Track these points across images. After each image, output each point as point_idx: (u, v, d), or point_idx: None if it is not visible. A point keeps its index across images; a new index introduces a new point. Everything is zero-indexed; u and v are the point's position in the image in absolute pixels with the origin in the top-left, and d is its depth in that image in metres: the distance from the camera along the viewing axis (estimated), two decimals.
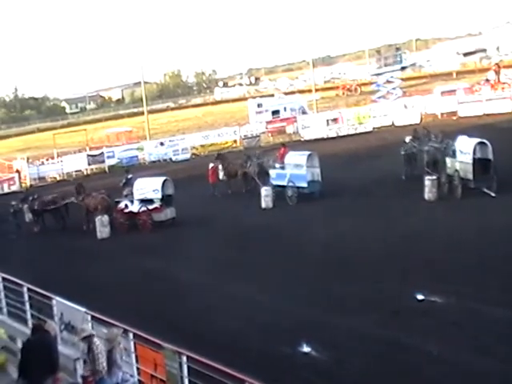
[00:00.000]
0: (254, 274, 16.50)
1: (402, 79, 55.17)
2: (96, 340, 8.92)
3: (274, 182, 25.65)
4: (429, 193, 21.74)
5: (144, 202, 23.89)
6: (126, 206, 24.37)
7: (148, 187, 24.21)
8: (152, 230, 23.29)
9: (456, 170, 21.67)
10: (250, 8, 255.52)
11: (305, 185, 24.60)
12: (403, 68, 53.24)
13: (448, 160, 22.47)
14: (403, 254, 16.36)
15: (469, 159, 21.01)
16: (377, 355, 10.97)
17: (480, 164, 20.94)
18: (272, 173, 26.22)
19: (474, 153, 21.05)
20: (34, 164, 44.60)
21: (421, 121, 43.11)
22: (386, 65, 50.81)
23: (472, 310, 12.23)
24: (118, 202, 24.77)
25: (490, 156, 21.18)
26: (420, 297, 13.17)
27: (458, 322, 11.83)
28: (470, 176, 20.95)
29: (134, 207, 24.12)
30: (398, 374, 10.27)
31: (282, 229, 20.94)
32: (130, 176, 26.66)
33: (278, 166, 26.63)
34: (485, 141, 21.50)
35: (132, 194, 24.47)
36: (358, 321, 12.49)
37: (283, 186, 25.11)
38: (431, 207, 21.09)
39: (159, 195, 23.73)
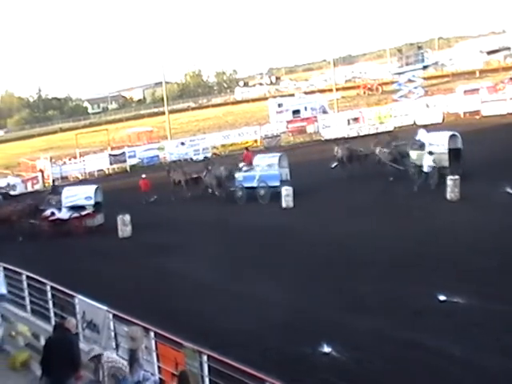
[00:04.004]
0: (274, 273, 16.49)
1: (424, 78, 54.81)
2: (105, 359, 8.77)
3: (243, 184, 26.92)
4: (451, 192, 21.60)
5: (74, 208, 25.13)
6: (53, 213, 25.39)
7: (80, 195, 25.73)
8: (83, 234, 24.32)
9: (432, 160, 23.77)
10: (271, 7, 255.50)
11: (277, 184, 25.82)
12: (425, 67, 52.81)
13: (414, 153, 25.23)
14: (425, 254, 16.22)
15: (444, 149, 23.96)
16: (398, 356, 10.89)
17: (453, 153, 23.89)
18: (238, 175, 27.41)
19: (449, 144, 24.03)
20: (57, 163, 45.13)
21: (443, 120, 42.76)
22: (407, 64, 50.45)
23: (495, 311, 12.08)
24: (43, 210, 25.75)
25: (460, 146, 24.43)
26: (442, 297, 13.05)
27: (481, 323, 11.69)
28: (446, 164, 23.78)
29: (63, 214, 25.21)
30: (420, 375, 10.18)
31: (301, 228, 20.91)
32: (56, 184, 28.19)
33: (244, 168, 27.94)
34: (456, 133, 25.05)
35: (60, 201, 25.73)
36: (378, 321, 12.41)
37: (253, 188, 26.43)
38: (453, 207, 20.93)
39: (92, 202, 25.16)
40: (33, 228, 25.29)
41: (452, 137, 24.63)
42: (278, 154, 27.54)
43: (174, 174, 30.68)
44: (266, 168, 26.64)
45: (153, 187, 31.06)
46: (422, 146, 25.22)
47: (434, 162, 23.32)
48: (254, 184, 26.57)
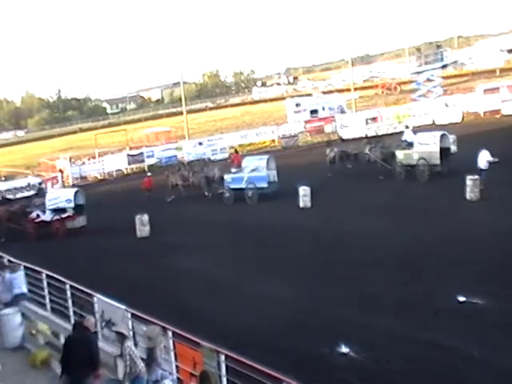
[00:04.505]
0: (290, 273, 16.50)
1: (443, 77, 54.42)
2: (128, 342, 8.97)
3: (231, 186, 27.87)
4: (470, 192, 21.44)
5: (56, 211, 25.92)
6: (38, 215, 26.26)
7: (61, 197, 26.65)
8: (64, 236, 25.11)
9: (421, 158, 25.69)
10: (289, 7, 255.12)
11: (265, 185, 26.98)
12: (444, 66, 52.43)
13: (401, 153, 26.95)
14: (445, 255, 16.10)
15: (436, 148, 25.35)
16: (416, 357, 10.84)
17: (443, 151, 25.38)
18: (227, 177, 28.34)
19: (440, 143, 25.50)
20: (76, 164, 45.46)
21: (462, 119, 42.40)
22: (426, 63, 50.09)
23: None
24: (30, 212, 26.68)
25: (449, 145, 26.31)
26: (461, 298, 12.97)
27: (500, 325, 11.59)
28: (437, 162, 25.31)
29: (47, 216, 26.06)
30: (438, 376, 10.13)
31: (318, 228, 20.88)
32: (42, 186, 28.84)
33: (233, 170, 29.10)
34: (446, 133, 26.70)
35: (43, 204, 26.66)
36: (396, 321, 12.37)
37: (241, 189, 27.31)
38: (473, 207, 20.77)
39: (72, 205, 25.91)
40: (20, 230, 26.05)
41: (442, 136, 25.98)
42: (266, 157, 28.57)
43: (172, 177, 31.47)
44: (254, 170, 27.49)
45: (159, 186, 31.69)
46: (409, 146, 26.94)
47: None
48: (243, 185, 27.44)
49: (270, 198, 26.42)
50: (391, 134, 42.67)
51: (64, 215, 25.86)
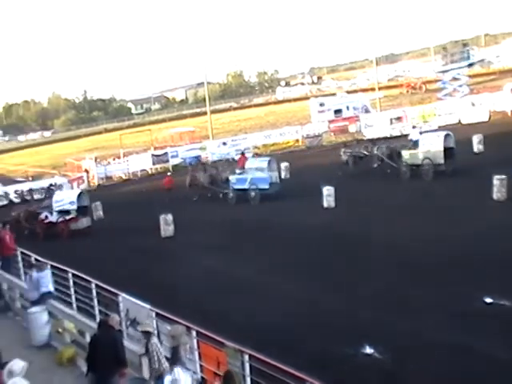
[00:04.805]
0: (317, 273, 16.43)
1: (470, 76, 53.68)
2: (154, 338, 9.07)
3: (235, 186, 28.55)
4: (497, 192, 21.15)
5: (62, 212, 26.64)
6: (46, 216, 27.07)
7: (65, 199, 27.20)
8: (70, 237, 25.62)
9: (426, 158, 26.28)
10: (313, 7, 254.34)
11: (266, 186, 27.59)
12: (471, 65, 51.70)
13: (406, 152, 27.38)
14: (472, 255, 15.88)
15: (440, 148, 25.86)
16: (442, 358, 10.72)
17: (447, 151, 25.83)
18: (232, 178, 29.06)
19: (444, 143, 25.99)
20: (102, 164, 45.86)
21: (489, 118, 41.82)
22: (452, 61, 49.51)
23: None
24: (40, 213, 27.54)
25: (453, 145, 26.40)
26: (488, 300, 12.79)
27: None
28: (441, 161, 25.82)
29: (53, 218, 26.85)
30: (464, 378, 10.01)
31: (344, 228, 20.76)
32: (52, 188, 32.39)
33: (237, 171, 29.66)
34: (450, 133, 27.09)
35: (51, 205, 27.39)
36: (422, 323, 12.24)
37: (244, 190, 27.95)
38: (500, 207, 20.45)
39: (75, 206, 26.49)
40: (30, 230, 26.67)
41: (446, 136, 26.39)
42: (268, 158, 29.19)
43: (187, 177, 32.13)
44: (257, 171, 28.10)
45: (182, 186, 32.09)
46: (415, 145, 27.42)
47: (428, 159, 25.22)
48: (246, 186, 28.06)
49: (272, 199, 26.83)
50: None
51: (68, 217, 26.52)
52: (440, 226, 19.16)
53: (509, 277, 13.89)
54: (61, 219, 26.46)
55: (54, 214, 26.87)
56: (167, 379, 7.47)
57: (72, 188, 41.19)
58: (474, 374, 10.07)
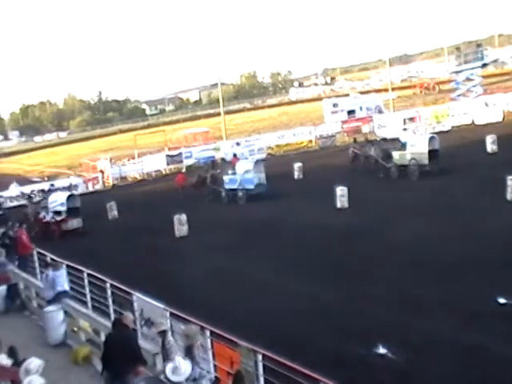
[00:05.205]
0: (328, 273, 16.43)
1: (483, 76, 53.28)
2: (169, 336, 9.11)
3: (227, 186, 29.94)
4: (511, 193, 20.98)
5: (56, 213, 27.78)
6: (44, 216, 28.26)
7: (58, 201, 28.48)
8: (61, 237, 26.52)
9: (413, 159, 27.82)
10: (326, 7, 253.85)
11: (252, 187, 28.82)
12: (484, 65, 51.30)
13: (396, 153, 28.81)
14: (485, 256, 15.76)
15: (425, 150, 27.43)
16: (455, 358, 10.66)
17: (432, 153, 27.32)
18: (226, 178, 30.39)
19: (428, 145, 27.56)
20: (117, 164, 46.07)
21: (503, 119, 41.50)
22: (465, 62, 49.09)
23: None
24: (39, 213, 28.73)
25: (438, 147, 27.90)
26: (502, 300, 12.70)
27: None
28: (426, 162, 27.39)
29: (49, 218, 28.04)
30: (477, 378, 9.95)
31: (357, 229, 20.69)
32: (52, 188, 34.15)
33: (230, 172, 30.77)
34: (435, 135, 29.32)
35: (47, 206, 28.78)
36: (436, 323, 12.18)
37: (235, 190, 29.34)
38: None
39: (64, 208, 27.68)
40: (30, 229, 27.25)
41: (431, 139, 28.16)
42: (253, 160, 30.61)
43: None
44: (244, 173, 29.26)
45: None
46: (403, 147, 28.89)
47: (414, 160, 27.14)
48: (235, 186, 29.43)
49: (259, 200, 27.83)
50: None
51: (59, 218, 27.52)
52: (453, 226, 19.05)
53: None
54: (53, 220, 27.57)
55: (50, 214, 27.96)
56: (168, 367, 7.51)
57: (87, 188, 41.55)
58: (489, 375, 10.01)
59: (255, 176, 29.01)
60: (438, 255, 16.44)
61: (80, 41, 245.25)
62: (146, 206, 31.32)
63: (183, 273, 18.31)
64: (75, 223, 27.50)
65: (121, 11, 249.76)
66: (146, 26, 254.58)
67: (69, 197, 28.68)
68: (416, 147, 28.16)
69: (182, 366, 7.47)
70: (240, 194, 29.11)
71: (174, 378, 7.38)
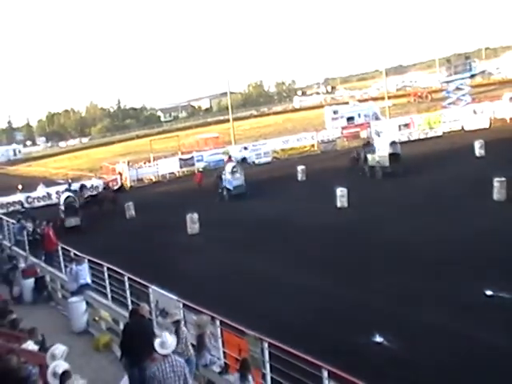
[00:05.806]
0: (331, 268, 16.43)
1: (472, 86, 53.05)
2: (182, 326, 9.12)
3: (222, 185, 30.82)
4: (497, 193, 20.95)
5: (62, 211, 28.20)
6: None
7: (62, 200, 29.12)
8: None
9: (377, 161, 29.58)
10: (328, 22, 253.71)
11: (231, 188, 30.03)
12: (472, 76, 51.28)
13: (370, 156, 30.35)
14: (473, 252, 15.75)
15: (386, 153, 29.13)
16: (448, 346, 10.67)
17: (393, 156, 28.94)
18: (223, 178, 31.11)
19: (389, 149, 29.18)
20: (134, 167, 46.16)
21: (490, 125, 41.36)
22: (455, 73, 49.14)
23: None
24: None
25: (399, 151, 29.47)
26: (489, 292, 12.71)
27: None
28: (387, 164, 29.13)
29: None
30: (468, 364, 9.94)
31: (357, 227, 20.66)
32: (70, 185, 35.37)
33: (223, 172, 31.45)
34: (396, 140, 31.49)
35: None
36: (429, 314, 12.18)
37: (228, 189, 30.33)
38: (500, 207, 20.22)
39: (62, 208, 28.36)
40: None
41: (392, 144, 29.73)
42: (232, 164, 31.37)
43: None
44: (228, 174, 30.30)
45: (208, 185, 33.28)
46: (374, 151, 30.43)
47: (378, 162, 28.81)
48: (224, 186, 30.59)
49: (238, 199, 28.87)
50: (423, 140, 42.11)
51: (62, 216, 27.89)
52: (444, 224, 19.03)
53: (507, 272, 13.75)
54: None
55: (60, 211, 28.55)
56: (157, 342, 7.58)
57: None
58: (478, 362, 10.03)
59: (232, 178, 30.03)
60: (430, 252, 16.40)
61: (102, 53, 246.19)
62: (161, 206, 31.34)
63: (192, 266, 18.38)
64: (73, 222, 27.78)
65: (138, 28, 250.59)
66: (161, 39, 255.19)
67: (66, 198, 28.93)
68: (380, 151, 29.79)
69: (169, 340, 7.56)
70: (224, 193, 30.42)
71: (161, 351, 7.51)
